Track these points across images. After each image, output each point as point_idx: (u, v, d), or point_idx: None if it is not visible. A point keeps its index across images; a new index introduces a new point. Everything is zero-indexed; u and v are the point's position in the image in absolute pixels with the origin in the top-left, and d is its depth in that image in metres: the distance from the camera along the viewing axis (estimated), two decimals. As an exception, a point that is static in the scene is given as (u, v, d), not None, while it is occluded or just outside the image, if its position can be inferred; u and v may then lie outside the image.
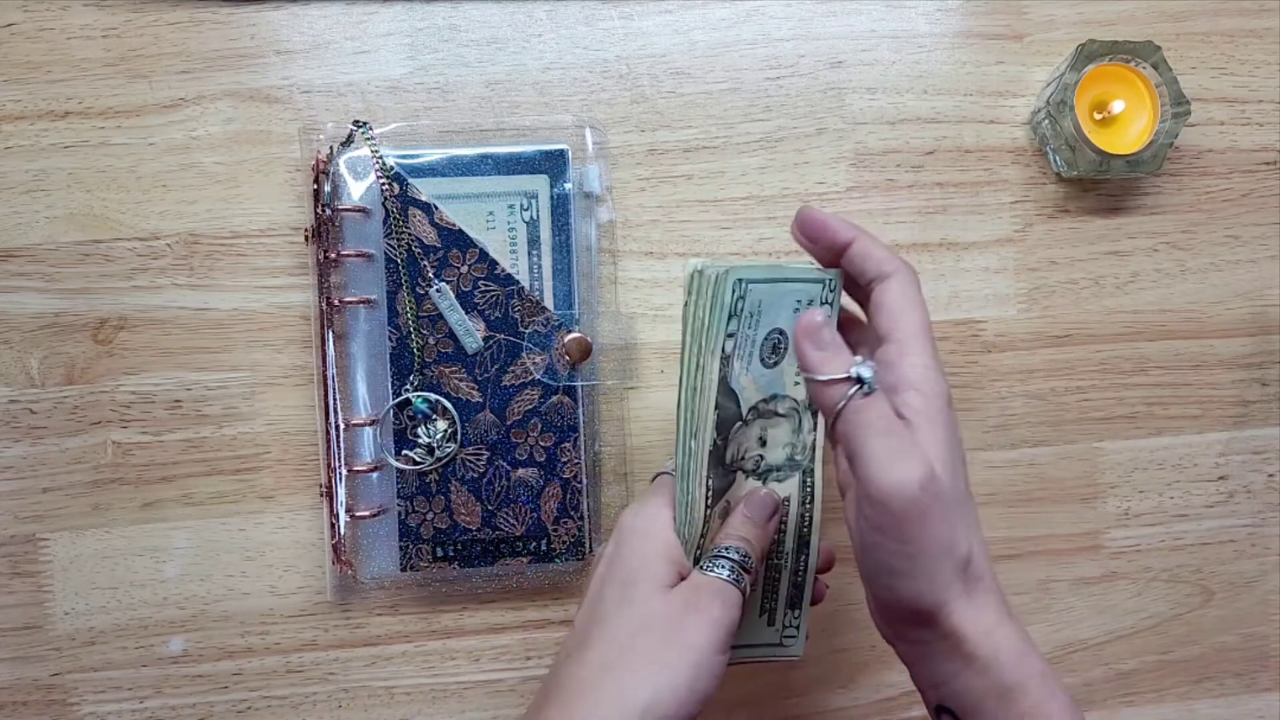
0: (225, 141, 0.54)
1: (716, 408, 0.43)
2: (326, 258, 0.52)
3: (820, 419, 0.46)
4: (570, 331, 0.53)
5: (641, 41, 0.56)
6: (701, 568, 0.43)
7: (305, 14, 0.55)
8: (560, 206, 0.53)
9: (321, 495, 0.53)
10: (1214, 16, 0.58)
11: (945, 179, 0.57)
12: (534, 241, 0.53)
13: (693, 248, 0.56)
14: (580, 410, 0.54)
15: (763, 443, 0.46)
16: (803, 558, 0.47)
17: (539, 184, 0.53)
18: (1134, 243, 0.58)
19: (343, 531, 0.53)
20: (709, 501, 0.44)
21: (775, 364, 0.45)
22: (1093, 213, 0.58)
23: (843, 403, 0.39)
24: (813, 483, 0.47)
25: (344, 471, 0.53)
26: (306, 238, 0.53)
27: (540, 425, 0.53)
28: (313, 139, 0.53)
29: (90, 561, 0.54)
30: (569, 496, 0.54)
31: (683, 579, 0.43)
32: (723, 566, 0.42)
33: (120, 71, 0.54)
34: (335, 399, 0.53)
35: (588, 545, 0.54)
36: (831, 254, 0.44)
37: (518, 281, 0.53)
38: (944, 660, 0.39)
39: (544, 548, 0.54)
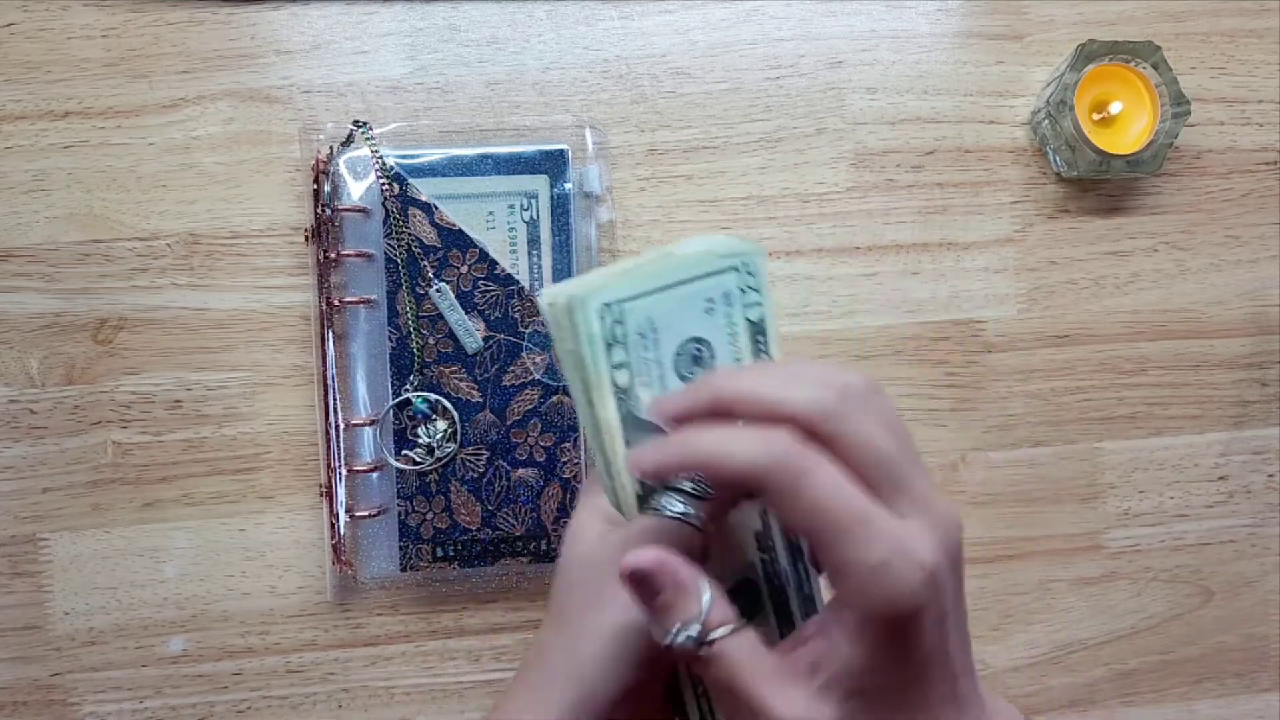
0: (225, 141, 0.54)
1: (628, 445, 0.37)
2: (326, 258, 0.52)
3: None
4: (570, 331, 0.53)
5: (641, 41, 0.56)
6: (652, 509, 0.36)
7: (305, 14, 0.55)
8: (560, 206, 0.53)
9: (321, 495, 0.53)
10: (1214, 16, 0.58)
11: (945, 179, 0.57)
12: (534, 241, 0.53)
13: (693, 248, 0.56)
14: (580, 410, 0.54)
15: (699, 477, 0.39)
16: (800, 565, 0.43)
17: (539, 184, 0.53)
18: (1134, 243, 0.58)
19: (343, 531, 0.53)
20: None
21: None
22: (1093, 213, 0.58)
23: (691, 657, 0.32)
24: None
25: (344, 471, 0.53)
26: (306, 238, 0.53)
27: (540, 425, 0.53)
28: (313, 139, 0.53)
29: (90, 561, 0.54)
30: (569, 496, 0.54)
31: None
32: (667, 501, 0.35)
33: (120, 71, 0.54)
34: (335, 399, 0.53)
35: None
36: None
37: (518, 281, 0.53)
38: None
39: (544, 548, 0.54)
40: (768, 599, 0.44)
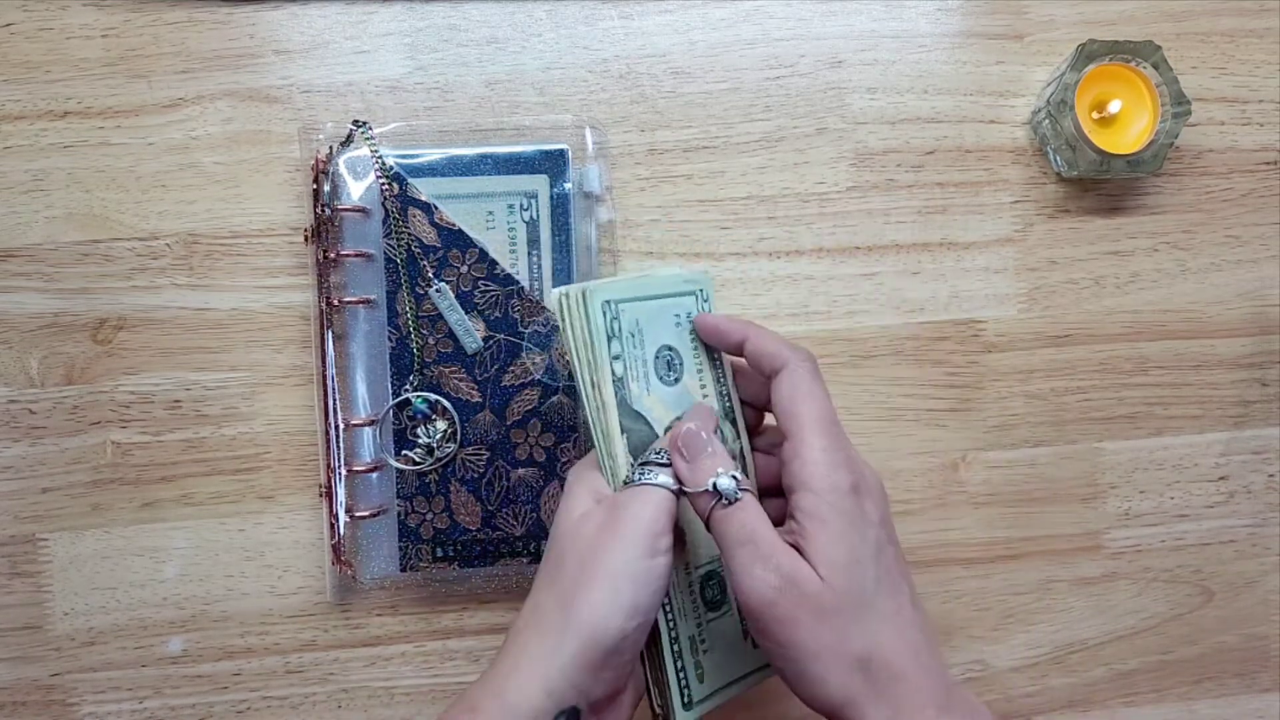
0: (225, 141, 0.54)
1: (623, 432, 0.43)
2: (326, 258, 0.52)
3: (740, 424, 0.47)
4: (570, 331, 0.53)
5: (641, 41, 0.56)
6: (626, 480, 0.42)
7: (304, 14, 0.55)
8: (560, 206, 0.53)
9: (321, 495, 0.53)
10: (1214, 16, 0.58)
11: (945, 179, 0.57)
12: (534, 241, 0.53)
13: (693, 248, 0.56)
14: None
15: None
16: None
17: (539, 184, 0.53)
18: (1134, 243, 0.58)
19: (342, 532, 0.53)
20: None
21: (676, 380, 0.45)
22: (1093, 213, 0.58)
23: (706, 514, 0.40)
24: (748, 490, 0.45)
25: (344, 472, 0.53)
26: (306, 238, 0.53)
27: (540, 425, 0.53)
28: (312, 139, 0.53)
29: (90, 561, 0.54)
30: (569, 497, 0.54)
31: None
32: (645, 471, 0.42)
33: (119, 71, 0.54)
34: (335, 399, 0.52)
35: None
36: (733, 351, 0.46)
37: (518, 281, 0.53)
38: None
39: (544, 548, 0.54)
40: (734, 595, 0.46)
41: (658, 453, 0.42)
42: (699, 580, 0.46)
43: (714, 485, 0.40)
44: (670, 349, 0.45)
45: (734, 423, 0.47)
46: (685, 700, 0.44)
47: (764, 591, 0.38)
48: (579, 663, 0.38)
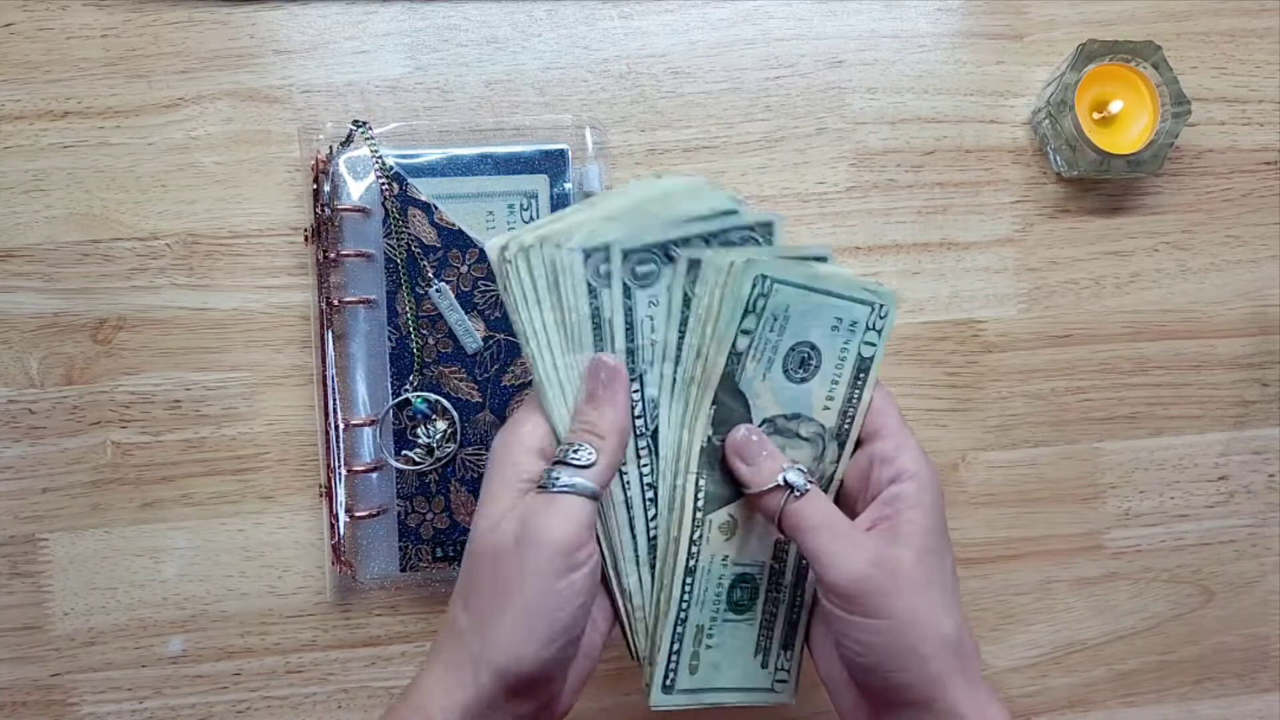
0: (224, 141, 0.54)
1: (715, 403, 0.42)
2: (326, 258, 0.52)
3: (845, 451, 0.45)
4: (570, 331, 0.53)
5: (641, 41, 0.56)
6: (540, 486, 0.39)
7: (304, 14, 0.55)
8: (560, 206, 0.53)
9: (321, 495, 0.53)
10: (1214, 16, 0.58)
11: (945, 179, 0.57)
12: (534, 241, 0.53)
13: (693, 248, 0.56)
14: (580, 410, 0.54)
15: None
16: (799, 593, 0.45)
17: (539, 184, 0.53)
18: (1134, 243, 0.58)
19: (342, 532, 0.53)
20: (699, 505, 0.42)
21: (803, 380, 0.43)
22: (1093, 213, 0.58)
23: (779, 509, 0.40)
24: (815, 483, 0.45)
25: (344, 472, 0.53)
26: (306, 238, 0.53)
27: (540, 425, 0.53)
28: (312, 139, 0.53)
29: (90, 562, 0.54)
30: (569, 497, 0.54)
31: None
32: (555, 475, 0.39)
33: (119, 71, 0.54)
34: (335, 399, 0.52)
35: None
36: None
37: (517, 281, 0.53)
38: None
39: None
40: (761, 604, 0.45)
41: (572, 448, 0.39)
42: (731, 578, 0.44)
43: (784, 480, 0.40)
44: (813, 348, 0.43)
45: (841, 446, 0.44)
46: (666, 682, 0.43)
47: (858, 566, 0.38)
48: (499, 691, 0.37)
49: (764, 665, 0.46)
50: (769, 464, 0.41)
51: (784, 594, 0.45)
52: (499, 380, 0.53)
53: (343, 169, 0.53)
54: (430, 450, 0.53)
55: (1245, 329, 0.58)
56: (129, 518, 0.54)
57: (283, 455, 0.54)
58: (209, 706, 0.54)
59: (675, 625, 0.43)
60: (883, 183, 0.57)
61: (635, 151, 0.56)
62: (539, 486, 0.39)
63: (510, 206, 0.53)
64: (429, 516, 0.53)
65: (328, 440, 0.53)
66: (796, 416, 0.43)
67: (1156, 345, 0.58)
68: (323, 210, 0.52)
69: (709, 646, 0.44)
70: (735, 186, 0.56)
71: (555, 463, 0.39)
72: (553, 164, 0.53)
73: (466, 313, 0.53)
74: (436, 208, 0.53)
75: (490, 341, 0.53)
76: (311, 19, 0.55)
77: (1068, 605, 0.58)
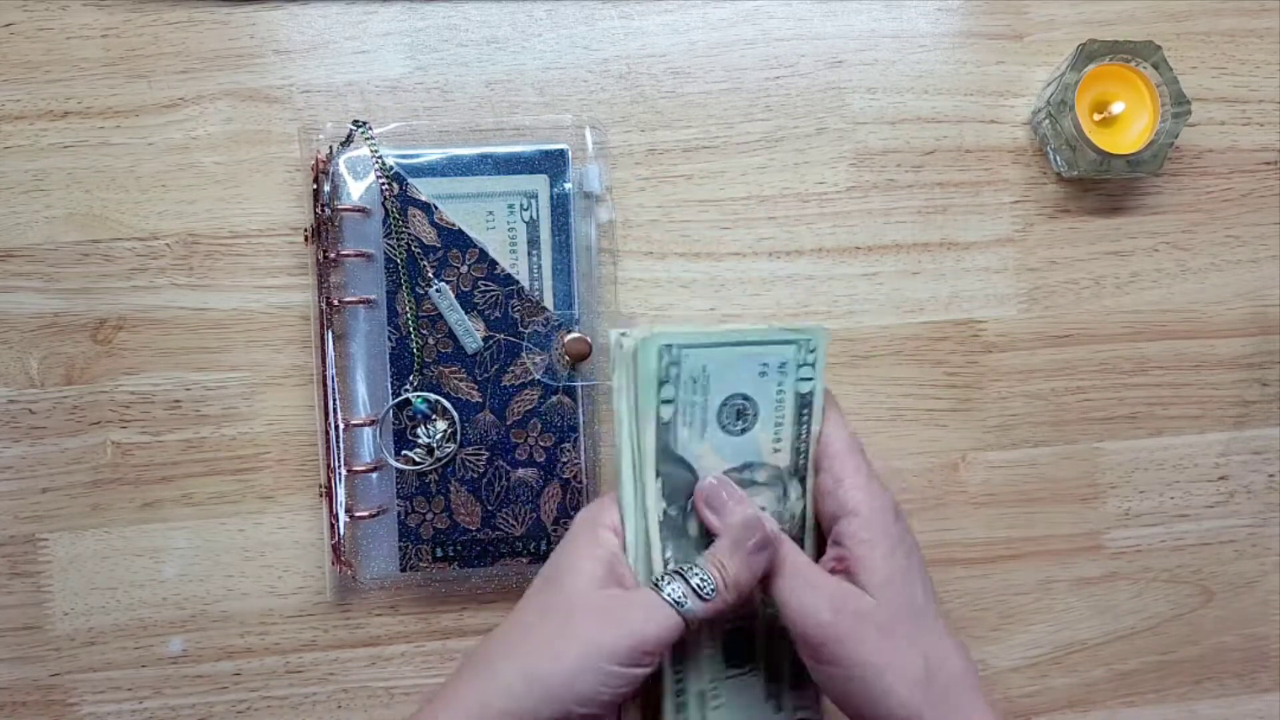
0: (224, 141, 0.54)
1: (659, 476, 0.42)
2: (326, 258, 0.52)
3: (808, 485, 0.45)
4: (570, 331, 0.53)
5: (641, 41, 0.56)
6: (654, 582, 0.41)
7: (304, 13, 0.55)
8: (560, 206, 0.53)
9: (321, 495, 0.53)
10: (1214, 16, 0.58)
11: (945, 179, 0.57)
12: (534, 241, 0.53)
13: (693, 248, 0.56)
14: (580, 410, 0.54)
15: None
16: None
17: (539, 184, 0.53)
18: (1134, 243, 0.58)
19: (342, 532, 0.53)
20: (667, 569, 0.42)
21: (744, 430, 0.43)
22: (1093, 213, 0.58)
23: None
24: (783, 528, 0.44)
25: (344, 472, 0.53)
26: (306, 238, 0.53)
27: (540, 425, 0.53)
28: (312, 139, 0.53)
29: (90, 562, 0.54)
30: (569, 497, 0.54)
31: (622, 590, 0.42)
32: (671, 583, 0.40)
33: (119, 71, 0.54)
34: (335, 399, 0.52)
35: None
36: None
37: (517, 281, 0.53)
38: None
39: (544, 548, 0.54)
40: (762, 651, 0.44)
41: (701, 574, 0.41)
42: (723, 635, 0.44)
43: None
44: (745, 398, 0.43)
45: (802, 481, 0.45)
46: None
47: (819, 614, 0.39)
48: (534, 713, 0.38)
49: (778, 709, 0.45)
50: (736, 509, 0.41)
51: (789, 643, 0.44)
52: (499, 380, 0.53)
53: (343, 169, 0.53)
54: (430, 450, 0.53)
55: (1245, 329, 0.58)
56: (129, 518, 0.54)
57: (283, 455, 0.54)
58: (209, 706, 0.54)
59: (675, 697, 0.43)
60: (883, 183, 0.57)
61: (635, 151, 0.56)
62: (654, 582, 0.41)
63: (510, 206, 0.53)
64: (429, 516, 0.53)
65: (328, 440, 0.53)
66: (748, 466, 0.44)
67: (1156, 345, 0.58)
68: (323, 210, 0.52)
69: (715, 708, 0.44)
70: (735, 186, 0.56)
71: (677, 572, 0.41)
72: (553, 164, 0.53)
73: (466, 313, 0.53)
74: (436, 208, 0.53)
75: (490, 341, 0.53)
76: (311, 19, 0.55)
77: (1067, 605, 0.58)
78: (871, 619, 0.39)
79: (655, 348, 0.41)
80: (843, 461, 0.42)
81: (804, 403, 0.44)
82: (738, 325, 0.44)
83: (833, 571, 0.41)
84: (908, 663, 0.39)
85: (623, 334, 0.43)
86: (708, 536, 0.43)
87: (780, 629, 0.44)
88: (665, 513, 0.43)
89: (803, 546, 0.45)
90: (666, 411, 0.42)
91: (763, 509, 0.42)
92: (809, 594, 0.39)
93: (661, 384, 0.42)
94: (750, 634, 0.45)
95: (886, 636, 0.39)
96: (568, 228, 0.53)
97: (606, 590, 0.41)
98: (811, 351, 0.43)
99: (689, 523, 0.43)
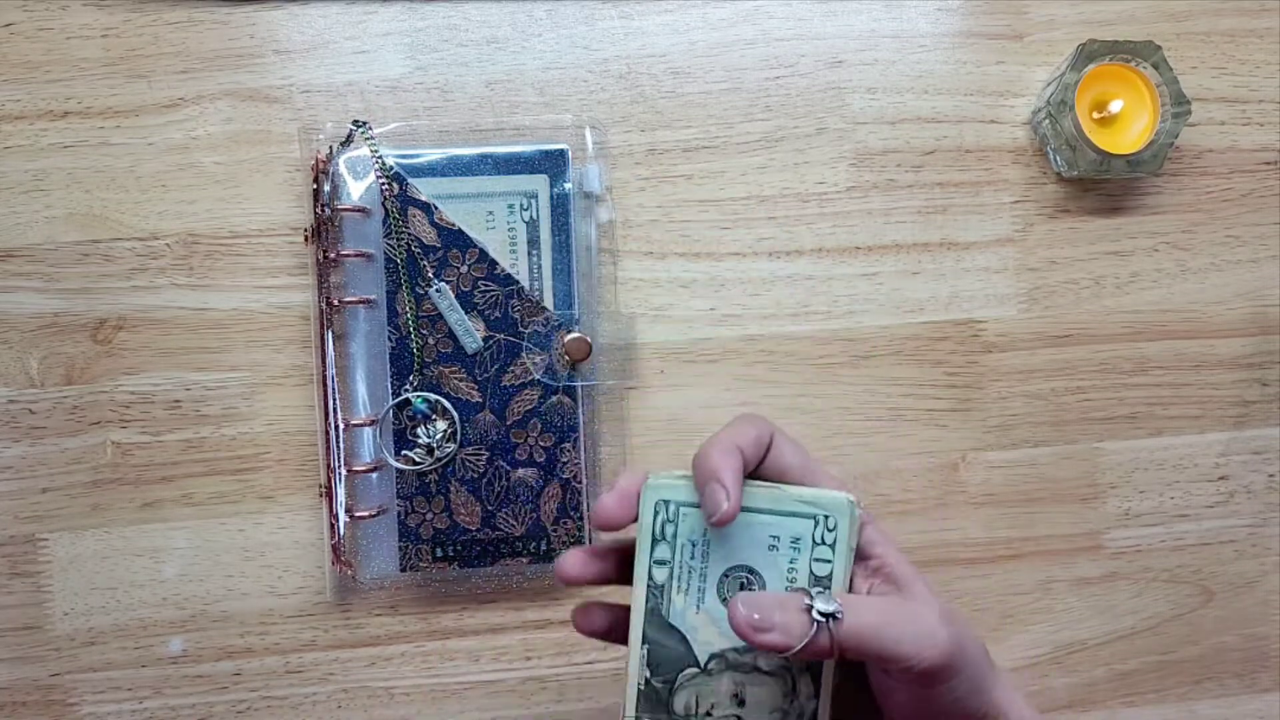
0: (224, 141, 0.54)
1: (645, 641, 0.38)
2: (326, 258, 0.52)
3: (823, 683, 0.39)
4: (570, 331, 0.53)
5: (641, 41, 0.56)
6: None
7: (304, 13, 0.55)
8: (560, 206, 0.53)
9: (321, 495, 0.53)
10: (1214, 16, 0.58)
11: (945, 179, 0.57)
12: (534, 241, 0.53)
13: (693, 248, 0.56)
14: (580, 410, 0.54)
15: (740, 702, 0.39)
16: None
17: (539, 184, 0.53)
18: (1134, 243, 0.58)
19: (342, 532, 0.53)
20: None
21: None
22: (1093, 213, 0.58)
23: (834, 645, 0.35)
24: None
25: (343, 472, 0.53)
26: (306, 238, 0.53)
27: (540, 425, 0.53)
28: (312, 139, 0.53)
29: (90, 562, 0.54)
30: (569, 497, 0.54)
31: None
32: None
33: (119, 71, 0.54)
34: (335, 399, 0.52)
35: (587, 546, 0.54)
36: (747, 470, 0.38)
37: (517, 281, 0.53)
38: None
39: (544, 548, 0.54)
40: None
41: None
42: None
43: (818, 615, 0.35)
44: (751, 572, 0.39)
45: (815, 679, 0.39)
46: None
47: (938, 636, 0.35)
48: None
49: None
50: (791, 614, 0.35)
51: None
52: (499, 380, 0.53)
53: (343, 169, 0.53)
54: (430, 450, 0.53)
55: (1245, 329, 0.58)
56: (129, 518, 0.54)
57: (283, 455, 0.54)
58: (209, 706, 0.54)
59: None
60: (883, 183, 0.57)
61: (635, 151, 0.56)
62: None
63: (510, 206, 0.53)
64: (429, 516, 0.53)
65: (328, 440, 0.53)
66: (751, 649, 0.39)
67: (1156, 345, 0.58)
68: (323, 210, 0.52)
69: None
70: (735, 186, 0.56)
71: None
72: (553, 164, 0.53)
73: (466, 313, 0.53)
74: (436, 208, 0.53)
75: (490, 341, 0.53)
76: (311, 19, 0.55)
77: (1068, 605, 0.58)
78: (947, 611, 0.37)
79: (652, 501, 0.38)
80: (826, 480, 0.39)
81: (821, 583, 0.39)
82: (751, 483, 0.38)
83: (870, 593, 0.39)
84: (973, 636, 0.38)
85: (647, 476, 0.39)
86: (695, 719, 0.39)
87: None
88: (648, 682, 0.39)
89: None
90: (660, 574, 0.38)
91: (817, 588, 0.37)
92: (917, 627, 0.35)
93: (655, 542, 0.38)
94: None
95: (967, 631, 0.37)
96: (568, 228, 0.53)
97: None
98: (831, 530, 0.38)
99: (675, 698, 0.39)
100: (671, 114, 0.56)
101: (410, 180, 0.53)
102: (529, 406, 0.53)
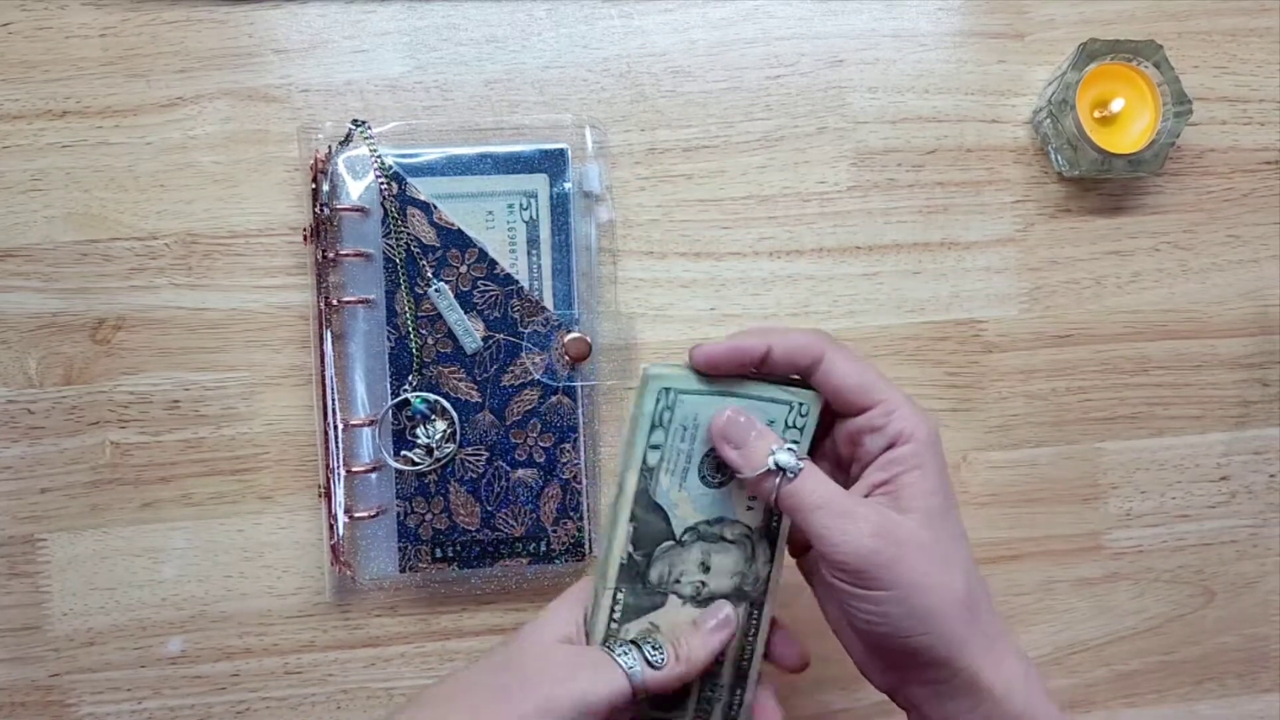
0: (223, 141, 0.54)
1: (633, 519, 0.42)
2: (325, 257, 0.52)
3: (778, 550, 0.44)
4: (570, 331, 0.53)
5: (641, 40, 0.56)
6: (608, 646, 0.42)
7: (303, 13, 0.55)
8: (560, 206, 0.53)
9: (320, 496, 0.53)
10: (1215, 15, 0.58)
11: (946, 178, 0.57)
12: (533, 241, 0.53)
13: (693, 248, 0.56)
14: (580, 410, 0.54)
15: (705, 568, 0.43)
16: (739, 693, 0.45)
17: (538, 183, 0.53)
18: (1135, 242, 0.58)
19: (341, 532, 0.53)
20: (614, 615, 0.42)
21: (721, 484, 0.43)
22: (1094, 212, 0.58)
23: (773, 493, 0.40)
24: (759, 616, 0.44)
25: (343, 472, 0.53)
26: (305, 237, 0.53)
27: (540, 425, 0.53)
28: (311, 138, 0.53)
29: (88, 562, 0.54)
30: (568, 497, 0.54)
31: None
32: (624, 651, 0.41)
33: (118, 71, 0.54)
34: (334, 399, 0.52)
35: (587, 546, 0.54)
36: (758, 365, 0.42)
37: (517, 281, 0.53)
38: (955, 698, 0.39)
39: (543, 549, 0.54)
40: (692, 704, 0.44)
41: (655, 644, 0.41)
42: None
43: (775, 463, 0.40)
44: None
45: (772, 545, 0.44)
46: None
47: (862, 540, 0.38)
48: None
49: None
50: (759, 445, 0.40)
51: (720, 693, 0.45)
52: (498, 380, 0.53)
53: (341, 168, 0.53)
54: (429, 450, 0.53)
55: (1246, 329, 0.58)
56: (128, 518, 0.54)
57: (282, 455, 0.54)
58: (208, 707, 0.54)
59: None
60: (883, 182, 0.57)
61: (635, 151, 0.56)
62: (608, 646, 0.42)
63: (510, 206, 0.53)
64: (428, 517, 0.53)
65: (327, 440, 0.52)
66: (719, 520, 0.43)
67: (1157, 345, 0.58)
68: (321, 210, 0.52)
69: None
70: (735, 186, 0.56)
71: (633, 641, 0.42)
72: (552, 163, 0.53)
73: (466, 313, 0.53)
74: (436, 207, 0.53)
75: (489, 341, 0.53)
76: (310, 18, 0.55)
77: (1069, 605, 0.58)
78: (915, 541, 0.38)
79: (655, 390, 0.41)
80: (886, 392, 0.41)
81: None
82: (750, 377, 0.42)
83: (868, 496, 0.41)
84: (952, 583, 0.39)
85: (646, 367, 0.43)
86: (666, 587, 0.43)
87: (717, 688, 0.44)
88: (630, 556, 0.42)
89: (766, 613, 0.44)
90: (653, 457, 0.42)
91: (787, 445, 0.40)
92: (848, 521, 0.38)
93: (653, 428, 0.42)
94: (686, 687, 0.44)
95: (931, 559, 0.38)
96: (567, 227, 0.53)
97: (562, 645, 0.41)
98: (803, 415, 0.42)
99: (651, 569, 0.43)
100: (671, 113, 0.56)
101: (409, 180, 0.52)
102: (529, 407, 0.53)
